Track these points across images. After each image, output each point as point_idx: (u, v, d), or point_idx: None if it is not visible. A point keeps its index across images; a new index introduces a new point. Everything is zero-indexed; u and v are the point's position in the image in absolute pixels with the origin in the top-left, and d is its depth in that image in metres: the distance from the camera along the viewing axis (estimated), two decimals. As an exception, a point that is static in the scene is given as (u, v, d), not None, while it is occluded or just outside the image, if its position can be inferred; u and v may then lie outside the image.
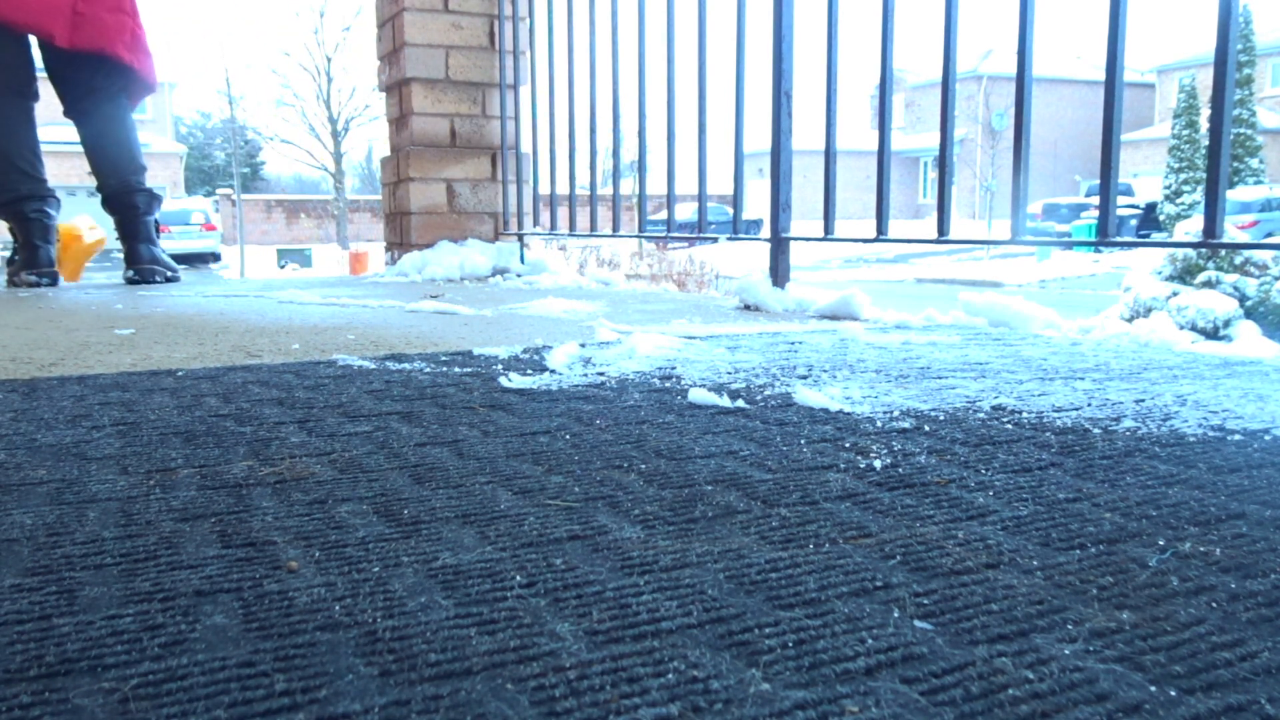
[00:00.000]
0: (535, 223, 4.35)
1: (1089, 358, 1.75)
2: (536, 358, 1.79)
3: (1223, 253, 9.47)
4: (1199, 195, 19.70)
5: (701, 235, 3.35)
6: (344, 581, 0.70)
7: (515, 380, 1.54)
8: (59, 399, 1.43)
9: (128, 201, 3.95)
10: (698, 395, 1.37)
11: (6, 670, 0.57)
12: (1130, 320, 8.93)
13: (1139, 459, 1.03)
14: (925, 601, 0.66)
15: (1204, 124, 25.48)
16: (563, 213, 8.83)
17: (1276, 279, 9.60)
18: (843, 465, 1.02)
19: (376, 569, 0.73)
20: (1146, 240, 2.18)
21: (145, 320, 2.54)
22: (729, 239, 3.22)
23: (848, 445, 1.11)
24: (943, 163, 2.40)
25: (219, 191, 33.63)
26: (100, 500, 0.91)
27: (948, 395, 1.40)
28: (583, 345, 1.93)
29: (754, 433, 1.18)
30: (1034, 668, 0.56)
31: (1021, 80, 2.17)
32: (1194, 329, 8.89)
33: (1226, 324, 9.13)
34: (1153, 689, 0.53)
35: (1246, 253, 9.44)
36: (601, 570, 0.72)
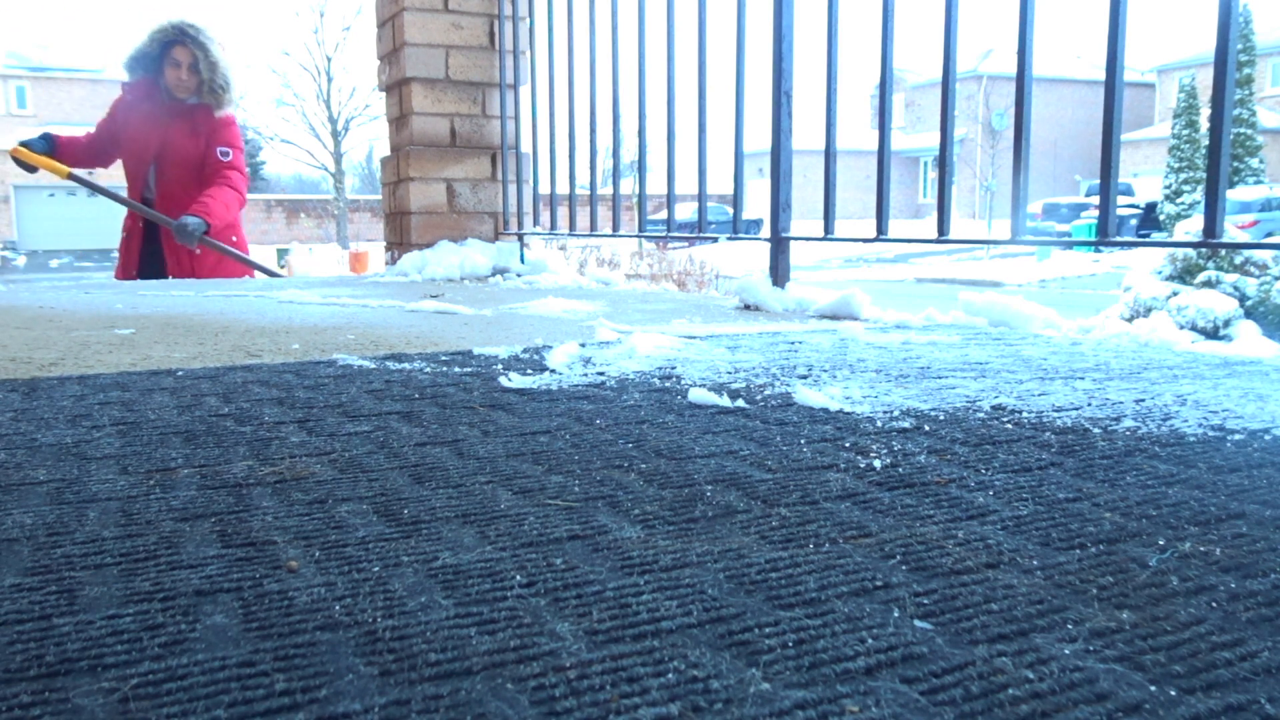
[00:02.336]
0: (535, 222, 4.35)
1: (1089, 357, 1.75)
2: (536, 357, 1.79)
3: (1223, 252, 9.48)
4: (1199, 195, 19.69)
5: (701, 235, 3.35)
6: (344, 581, 0.70)
7: (515, 380, 1.54)
8: (59, 399, 1.43)
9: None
10: (698, 395, 1.37)
11: (6, 670, 0.57)
12: (1130, 320, 8.93)
13: (1139, 459, 1.03)
14: (925, 601, 0.66)
15: (1204, 124, 25.45)
16: (563, 212, 8.83)
17: (1276, 279, 9.60)
18: (843, 465, 1.02)
19: (376, 569, 0.73)
20: (1146, 240, 2.17)
21: (145, 320, 2.54)
22: (729, 239, 3.22)
23: (848, 445, 1.11)
24: (943, 162, 2.40)
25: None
26: (100, 500, 0.91)
27: (948, 395, 1.40)
28: (583, 345, 1.93)
29: (754, 432, 1.18)
30: (1034, 667, 0.56)
31: (1021, 80, 2.17)
32: (1194, 329, 8.89)
33: (1226, 324, 9.13)
34: (1153, 689, 0.53)
35: (1246, 252, 9.44)
36: (601, 570, 0.72)
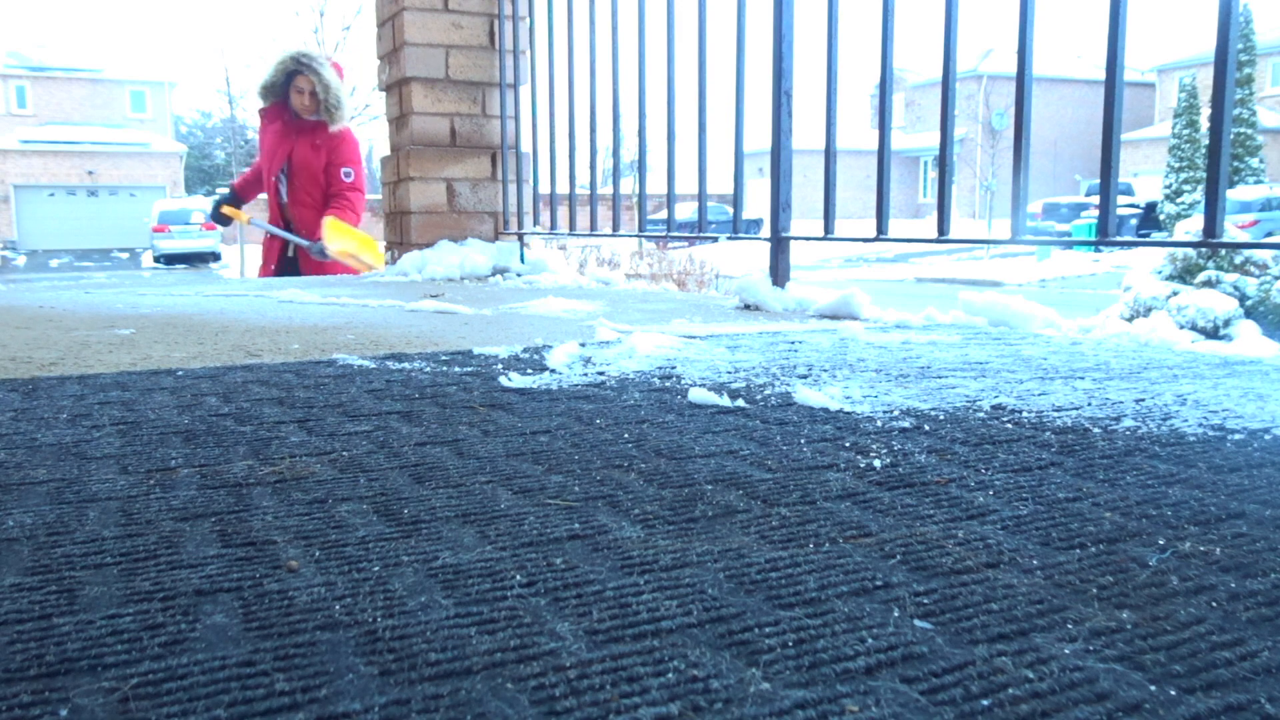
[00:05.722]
0: (535, 222, 4.35)
1: (1089, 357, 1.75)
2: (536, 357, 1.79)
3: (1223, 252, 9.48)
4: (1199, 195, 19.67)
5: (701, 235, 3.35)
6: (344, 581, 0.70)
7: (515, 380, 1.54)
8: (59, 398, 1.43)
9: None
10: (698, 395, 1.37)
11: (7, 670, 0.57)
12: (1130, 320, 8.93)
13: (1139, 458, 1.03)
14: (925, 601, 0.66)
15: (1204, 123, 25.43)
16: (563, 212, 8.83)
17: (1276, 278, 9.59)
18: (843, 465, 1.02)
19: (376, 568, 0.73)
20: (1146, 240, 2.17)
21: (145, 320, 2.54)
22: (729, 238, 3.22)
23: (848, 445, 1.11)
24: (943, 162, 2.40)
25: (219, 191, 33.55)
26: (100, 500, 0.91)
27: (948, 395, 1.40)
28: (583, 345, 1.93)
29: (754, 432, 1.18)
30: (1034, 667, 0.56)
31: (1021, 80, 2.17)
32: (1194, 328, 8.88)
33: (1226, 323, 9.13)
34: (1153, 688, 0.53)
35: (1246, 252, 9.43)
36: (602, 570, 0.72)
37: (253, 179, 5.48)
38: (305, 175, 5.04)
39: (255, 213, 5.37)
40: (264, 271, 5.40)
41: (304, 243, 4.92)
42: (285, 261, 5.17)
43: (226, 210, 5.40)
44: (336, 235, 4.82)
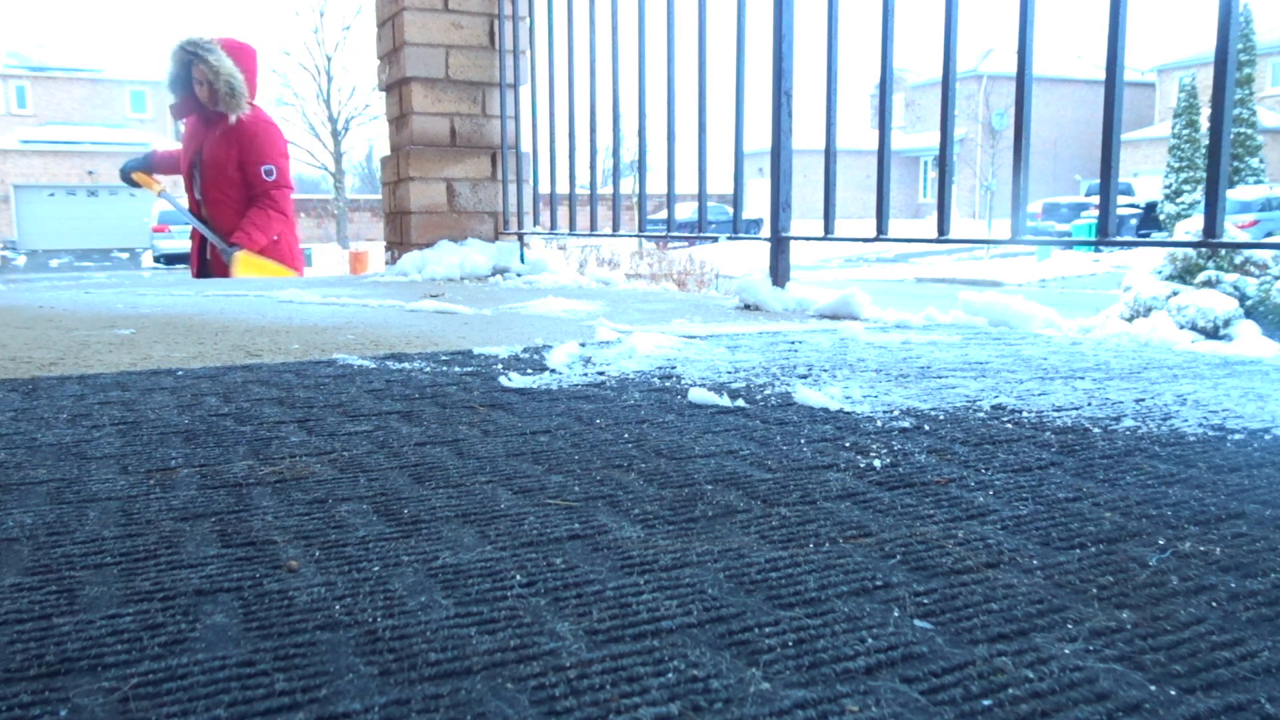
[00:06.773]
0: (535, 222, 4.34)
1: (1089, 357, 1.75)
2: (536, 357, 1.79)
3: (1223, 252, 9.47)
4: (1199, 195, 19.69)
5: (701, 235, 3.35)
6: (344, 581, 0.70)
7: (515, 379, 1.54)
8: (59, 398, 1.43)
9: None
10: (698, 395, 1.37)
11: (6, 669, 0.57)
12: (1130, 320, 8.93)
13: (1139, 458, 1.03)
14: (925, 601, 0.66)
15: (1204, 123, 25.44)
16: (563, 212, 8.83)
17: (1276, 278, 9.59)
18: (843, 464, 1.02)
19: (376, 568, 0.73)
20: (1146, 240, 2.18)
21: (145, 320, 2.54)
22: (729, 238, 3.22)
23: (848, 445, 1.11)
24: (943, 162, 2.40)
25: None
26: (100, 499, 0.91)
27: (948, 394, 1.40)
28: (583, 345, 1.93)
29: (754, 432, 1.18)
30: (1034, 667, 0.56)
31: (1021, 80, 2.17)
32: (1194, 328, 8.88)
33: (1226, 323, 9.13)
34: (1153, 688, 0.53)
35: (1246, 252, 9.43)
36: (602, 569, 0.72)
37: (174, 158, 5.22)
38: (216, 171, 4.78)
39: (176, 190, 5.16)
40: (193, 271, 5.15)
41: (220, 244, 4.72)
42: (204, 264, 4.94)
43: (137, 176, 5.08)
44: (245, 270, 4.67)
